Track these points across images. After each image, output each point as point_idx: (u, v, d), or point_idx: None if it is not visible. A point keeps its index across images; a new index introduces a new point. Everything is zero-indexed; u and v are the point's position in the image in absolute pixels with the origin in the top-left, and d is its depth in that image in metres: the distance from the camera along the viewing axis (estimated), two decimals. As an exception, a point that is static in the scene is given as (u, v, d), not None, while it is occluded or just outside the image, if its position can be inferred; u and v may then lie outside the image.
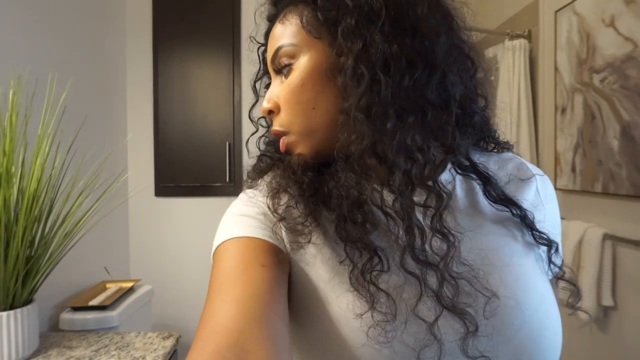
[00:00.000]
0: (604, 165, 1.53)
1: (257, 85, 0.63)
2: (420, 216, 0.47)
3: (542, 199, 0.55)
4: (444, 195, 0.46)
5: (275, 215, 0.50)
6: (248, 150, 0.65)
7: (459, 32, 0.51)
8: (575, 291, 0.54)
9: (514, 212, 0.51)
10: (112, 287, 1.83)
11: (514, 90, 2.01)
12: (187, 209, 2.28)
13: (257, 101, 0.63)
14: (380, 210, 0.46)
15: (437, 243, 0.46)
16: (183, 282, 2.26)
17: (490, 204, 0.52)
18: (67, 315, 1.55)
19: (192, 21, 2.29)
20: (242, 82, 2.26)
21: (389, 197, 0.47)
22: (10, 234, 1.11)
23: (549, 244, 0.52)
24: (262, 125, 0.64)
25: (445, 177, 0.52)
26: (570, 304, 0.53)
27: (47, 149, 1.22)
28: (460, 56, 0.50)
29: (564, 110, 1.78)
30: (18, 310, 1.15)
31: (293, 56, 0.51)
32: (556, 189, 1.81)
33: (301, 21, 0.51)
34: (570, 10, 1.70)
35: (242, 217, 0.51)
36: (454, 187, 0.52)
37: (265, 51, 0.60)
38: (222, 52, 2.27)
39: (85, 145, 1.67)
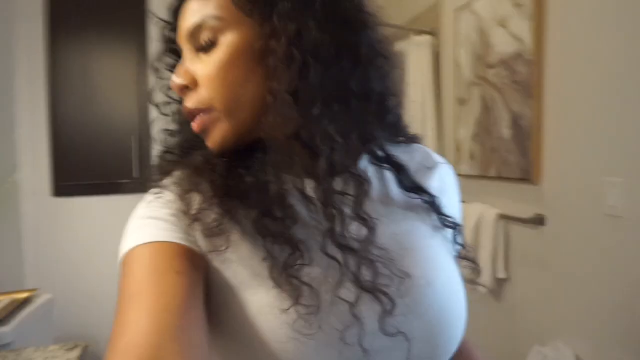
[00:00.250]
0: (498, 152, 1.69)
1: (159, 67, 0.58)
2: (338, 204, 0.48)
3: (446, 185, 0.60)
4: (365, 182, 0.48)
5: (187, 217, 0.47)
6: (157, 142, 0.60)
7: (379, 29, 0.53)
8: (476, 268, 0.60)
9: (424, 198, 0.55)
10: (3, 300, 1.64)
11: (419, 83, 2.13)
12: (90, 209, 2.11)
13: (166, 84, 0.57)
14: (301, 198, 0.46)
15: (355, 229, 0.47)
16: (88, 288, 2.09)
17: (401, 191, 0.55)
18: (-53, 336, 1.36)
19: (93, 2, 2.10)
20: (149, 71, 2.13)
21: (309, 185, 0.47)
22: None
23: (454, 226, 0.57)
24: (164, 114, 0.58)
25: (361, 166, 0.54)
26: (470, 280, 0.58)
27: None
28: (381, 52, 0.52)
29: (463, 102, 1.93)
30: None
31: (218, 31, 0.49)
32: (457, 175, 1.95)
33: None
34: (468, 10, 1.84)
35: (151, 220, 0.47)
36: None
37: (171, 29, 0.56)
38: (128, 37, 2.11)
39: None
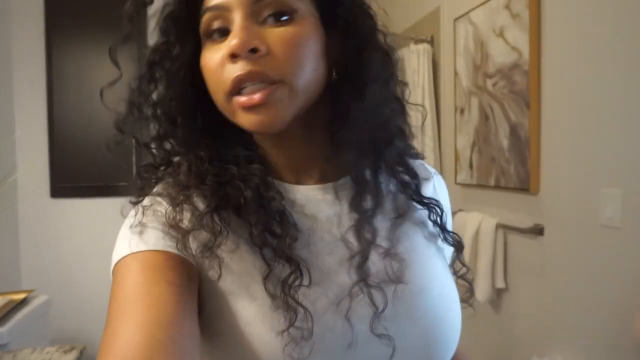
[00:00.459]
0: (496, 161, 1.70)
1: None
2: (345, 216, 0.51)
3: (439, 195, 0.61)
4: (381, 194, 0.51)
5: (180, 227, 0.46)
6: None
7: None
8: (470, 289, 0.59)
9: (428, 209, 0.56)
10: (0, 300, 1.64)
11: (418, 91, 2.15)
12: (88, 211, 2.11)
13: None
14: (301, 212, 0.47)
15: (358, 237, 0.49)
16: (85, 290, 2.08)
17: (400, 200, 0.56)
18: (-57, 336, 1.36)
19: (91, 3, 2.11)
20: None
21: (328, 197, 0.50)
22: None
23: (458, 245, 0.58)
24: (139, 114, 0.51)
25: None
26: (464, 299, 0.57)
27: None
28: (395, 69, 0.54)
29: (462, 111, 1.94)
30: None
31: (294, 10, 0.45)
32: (456, 183, 1.97)
33: None
34: (466, 19, 1.85)
35: (143, 228, 0.46)
36: None
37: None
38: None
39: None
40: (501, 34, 1.64)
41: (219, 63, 0.45)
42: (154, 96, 0.50)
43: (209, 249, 0.45)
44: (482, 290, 1.68)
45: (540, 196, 1.50)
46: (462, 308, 0.54)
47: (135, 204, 0.49)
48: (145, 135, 0.51)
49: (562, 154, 1.40)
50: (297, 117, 0.47)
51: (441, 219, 0.56)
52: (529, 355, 1.47)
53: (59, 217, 2.12)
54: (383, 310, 0.46)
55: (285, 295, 0.43)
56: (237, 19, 0.44)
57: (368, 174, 0.53)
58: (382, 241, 0.51)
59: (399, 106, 0.54)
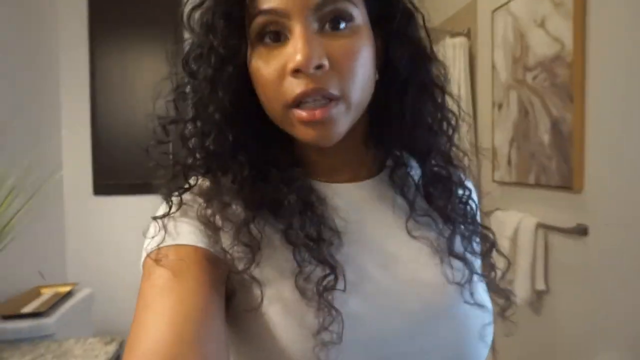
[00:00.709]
0: (536, 158, 1.63)
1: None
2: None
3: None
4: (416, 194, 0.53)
5: (213, 225, 0.46)
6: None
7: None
8: (509, 301, 0.56)
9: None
10: (47, 293, 1.72)
11: (454, 86, 2.09)
12: (128, 207, 2.18)
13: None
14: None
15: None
16: (125, 284, 2.16)
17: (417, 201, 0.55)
18: (-4, 325, 1.44)
19: (132, 6, 2.18)
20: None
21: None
22: None
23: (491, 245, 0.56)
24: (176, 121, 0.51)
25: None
26: (500, 312, 0.54)
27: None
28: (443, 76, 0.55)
29: (500, 106, 1.87)
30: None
31: (353, 16, 0.44)
32: (493, 181, 1.91)
33: None
34: (505, 10, 1.79)
35: (175, 222, 0.46)
36: None
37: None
38: (165, 38, 2.17)
39: (14, 141, 1.55)
40: (542, 25, 1.57)
41: (277, 73, 0.44)
42: (196, 95, 0.49)
43: (242, 243, 0.44)
44: (521, 292, 1.62)
45: (583, 194, 1.43)
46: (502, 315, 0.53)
47: (169, 198, 0.49)
48: (184, 134, 0.51)
49: (608, 149, 1.33)
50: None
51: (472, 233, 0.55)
52: (571, 361, 1.41)
53: (101, 213, 2.21)
54: (415, 319, 0.46)
55: (319, 297, 0.42)
56: (298, 29, 0.43)
57: (403, 172, 0.54)
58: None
59: (439, 109, 0.54)
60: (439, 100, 0.53)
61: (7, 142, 1.42)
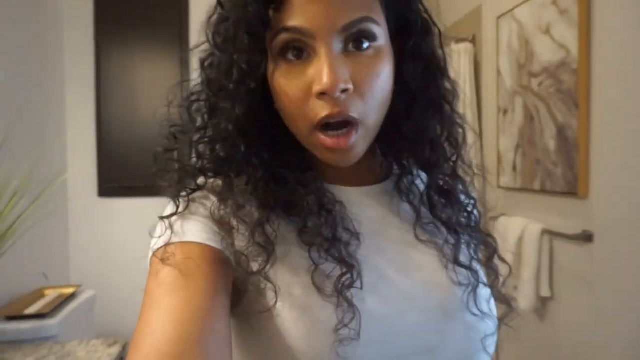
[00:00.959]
0: (542, 164, 1.62)
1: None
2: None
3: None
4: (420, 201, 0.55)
5: (224, 223, 0.45)
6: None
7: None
8: (511, 312, 0.57)
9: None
10: (50, 294, 1.72)
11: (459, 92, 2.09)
12: (133, 209, 2.19)
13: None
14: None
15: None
16: (128, 287, 2.16)
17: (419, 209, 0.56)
18: (-1, 326, 1.44)
19: (137, 9, 2.19)
20: (192, 74, 2.19)
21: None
22: None
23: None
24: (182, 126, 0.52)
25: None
26: (501, 319, 0.54)
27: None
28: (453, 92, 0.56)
29: (505, 112, 1.87)
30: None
31: (376, 36, 0.45)
32: (498, 187, 1.90)
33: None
34: (510, 17, 1.79)
35: (184, 219, 0.45)
36: None
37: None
38: (169, 43, 2.18)
39: (19, 143, 1.56)
40: (547, 31, 1.57)
41: (302, 94, 0.44)
42: (211, 105, 0.49)
43: (257, 243, 0.44)
44: (526, 298, 1.61)
45: (589, 201, 1.42)
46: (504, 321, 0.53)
47: (177, 197, 0.48)
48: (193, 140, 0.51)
49: (614, 155, 1.32)
50: None
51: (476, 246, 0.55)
52: (576, 369, 1.40)
53: (106, 215, 2.22)
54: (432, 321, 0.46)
55: (338, 293, 0.42)
56: (324, 51, 0.43)
57: (409, 181, 0.55)
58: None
59: (447, 124, 0.54)
60: (448, 115, 0.54)
61: (12, 145, 1.43)
